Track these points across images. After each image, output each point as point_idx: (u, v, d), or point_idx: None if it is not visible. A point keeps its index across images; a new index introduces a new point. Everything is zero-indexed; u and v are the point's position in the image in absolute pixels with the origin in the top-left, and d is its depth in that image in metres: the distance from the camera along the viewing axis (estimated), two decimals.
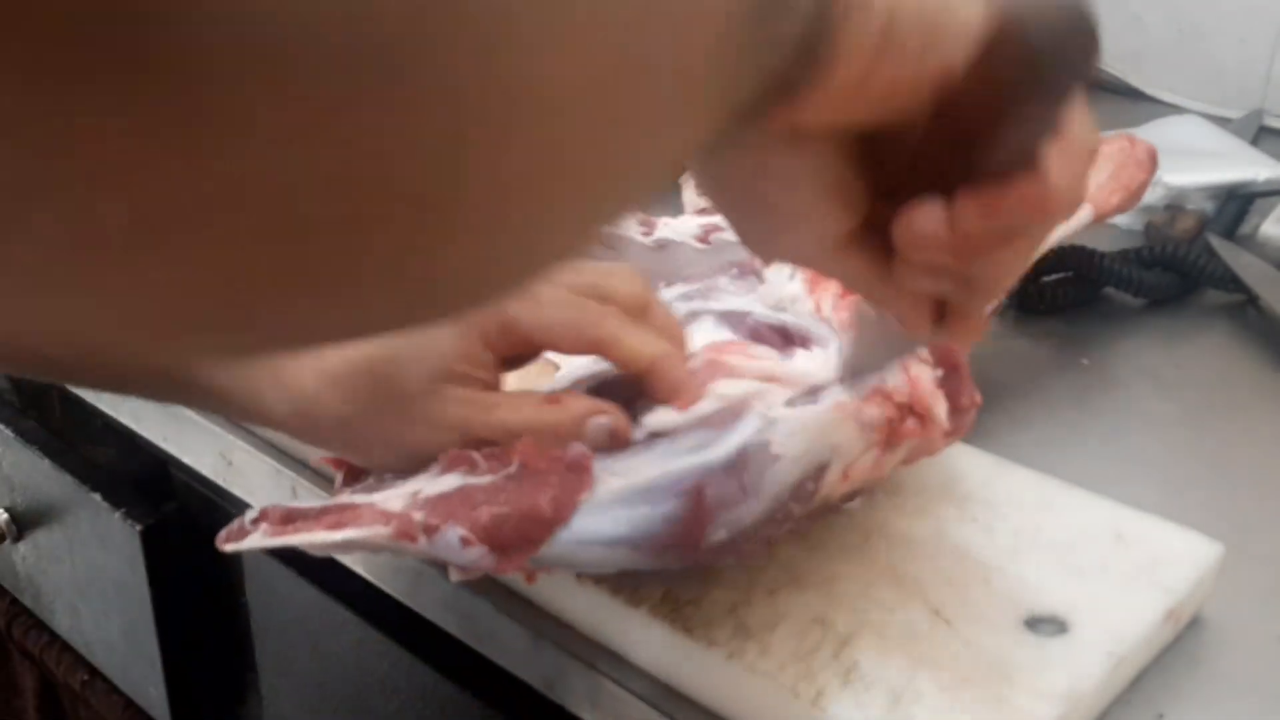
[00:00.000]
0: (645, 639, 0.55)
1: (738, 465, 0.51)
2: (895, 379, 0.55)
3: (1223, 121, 1.07)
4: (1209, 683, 0.56)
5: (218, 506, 0.79)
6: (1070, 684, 0.51)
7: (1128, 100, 1.16)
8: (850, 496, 0.57)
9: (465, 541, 0.49)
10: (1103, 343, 0.80)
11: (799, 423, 0.53)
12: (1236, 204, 0.92)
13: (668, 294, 0.66)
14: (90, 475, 0.87)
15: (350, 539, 0.50)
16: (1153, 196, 0.93)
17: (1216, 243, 0.86)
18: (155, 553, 0.82)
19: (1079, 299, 0.84)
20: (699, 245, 0.70)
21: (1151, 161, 0.81)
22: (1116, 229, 0.93)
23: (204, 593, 0.84)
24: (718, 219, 0.71)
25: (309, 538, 0.50)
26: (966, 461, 0.63)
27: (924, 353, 0.56)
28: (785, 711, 0.51)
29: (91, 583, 0.90)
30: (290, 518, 0.51)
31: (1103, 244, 0.84)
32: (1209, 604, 0.59)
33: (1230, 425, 0.73)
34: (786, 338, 0.62)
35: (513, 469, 0.52)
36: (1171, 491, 0.66)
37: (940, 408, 0.55)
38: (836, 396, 0.53)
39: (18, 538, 0.96)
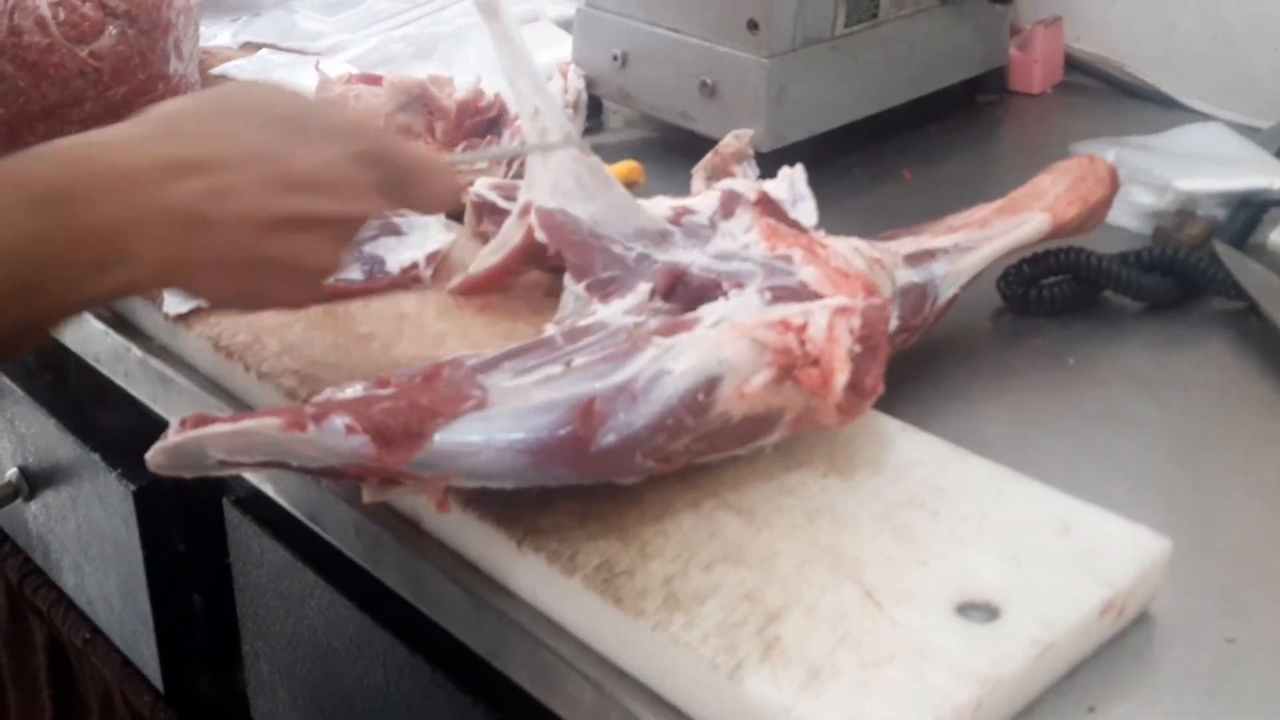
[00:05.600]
0: (578, 607, 0.56)
1: (633, 379, 0.55)
2: (818, 328, 0.57)
3: (1251, 132, 1.04)
4: (1149, 680, 0.55)
5: None
6: (991, 668, 0.50)
7: (1159, 107, 1.14)
8: (758, 426, 0.57)
9: (350, 429, 0.53)
10: (1093, 344, 0.79)
11: (693, 341, 0.56)
12: (1249, 212, 0.90)
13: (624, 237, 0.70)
14: (92, 437, 0.89)
15: (245, 429, 0.53)
16: (1163, 201, 0.92)
17: (1221, 249, 0.84)
18: (147, 513, 0.84)
19: (1076, 301, 0.83)
20: (671, 226, 0.70)
21: (1111, 178, 0.81)
22: (1125, 233, 0.92)
23: (194, 555, 0.86)
24: (689, 202, 0.71)
25: (210, 430, 0.54)
26: (923, 449, 0.63)
27: (855, 322, 0.57)
28: (703, 683, 0.51)
29: (93, 542, 0.92)
30: (202, 420, 0.54)
31: (1111, 248, 0.83)
32: (1160, 601, 0.58)
33: (1211, 430, 0.72)
34: (715, 286, 0.64)
35: (416, 379, 0.56)
36: (1134, 490, 0.66)
37: (842, 376, 0.56)
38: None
39: (30, 496, 0.98)
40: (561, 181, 0.70)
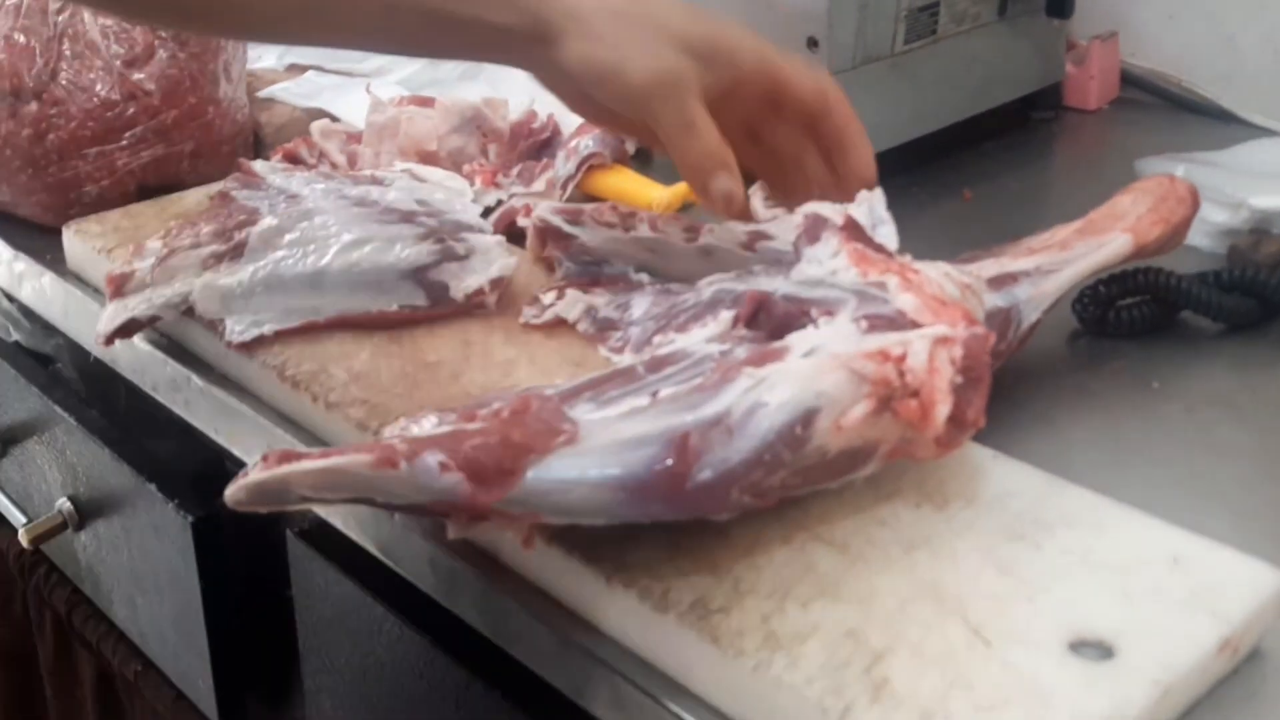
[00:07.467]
0: (672, 646, 0.54)
1: (727, 412, 0.54)
2: (917, 358, 0.55)
3: None
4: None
5: None
6: (1112, 711, 0.48)
7: (1219, 123, 1.13)
8: (854, 459, 0.56)
9: (443, 467, 0.51)
10: (1176, 367, 0.77)
11: (788, 372, 0.55)
12: None
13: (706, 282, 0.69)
14: (147, 466, 0.87)
15: (333, 466, 0.51)
16: (1237, 219, 0.90)
17: None
18: (206, 545, 0.83)
19: (1154, 323, 0.81)
20: (744, 252, 0.69)
21: (1193, 198, 0.79)
22: (1198, 252, 0.90)
23: (252, 586, 0.84)
24: (764, 227, 0.70)
25: (296, 468, 0.51)
26: (1018, 477, 0.61)
27: (956, 352, 0.55)
28: None
29: (147, 573, 0.91)
30: (287, 456, 0.52)
31: (1183, 267, 0.81)
32: (1271, 636, 0.56)
33: None
34: (801, 314, 0.62)
35: (504, 413, 0.54)
36: (1237, 520, 0.63)
37: (944, 408, 0.54)
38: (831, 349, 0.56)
39: (80, 526, 0.97)
40: None
